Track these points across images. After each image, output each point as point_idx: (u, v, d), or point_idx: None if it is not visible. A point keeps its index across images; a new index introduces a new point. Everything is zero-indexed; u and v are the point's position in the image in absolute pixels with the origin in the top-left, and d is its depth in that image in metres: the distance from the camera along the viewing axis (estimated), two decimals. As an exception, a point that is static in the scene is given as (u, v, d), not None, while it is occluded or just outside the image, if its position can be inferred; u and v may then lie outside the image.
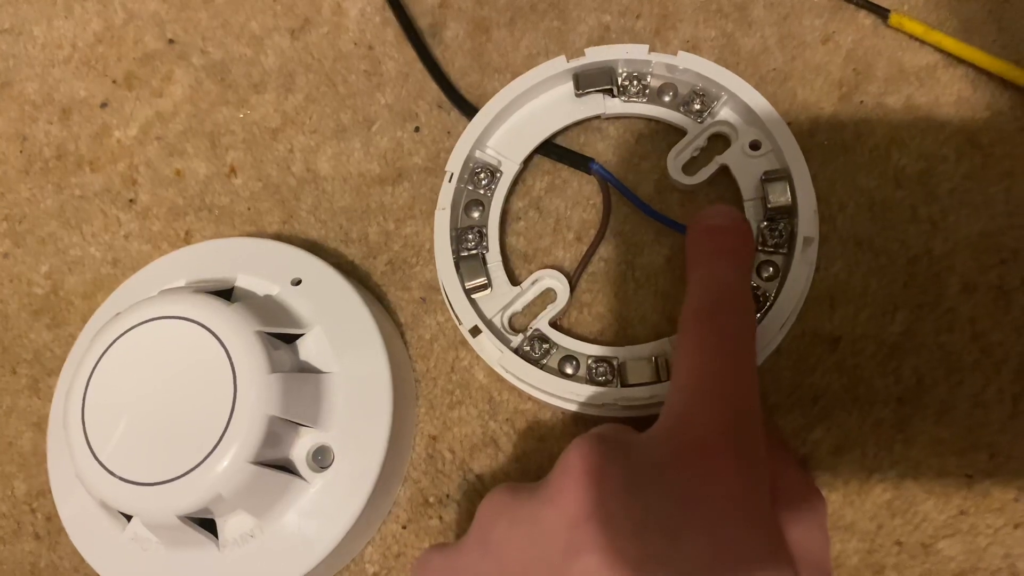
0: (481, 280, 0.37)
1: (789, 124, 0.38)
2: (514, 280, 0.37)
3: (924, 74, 0.38)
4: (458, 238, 0.38)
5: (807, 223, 0.35)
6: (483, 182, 0.38)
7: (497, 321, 0.36)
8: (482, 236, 0.38)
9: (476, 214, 0.38)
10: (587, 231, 0.38)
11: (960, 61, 0.38)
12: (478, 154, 0.39)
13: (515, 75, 0.39)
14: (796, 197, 0.35)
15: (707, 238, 0.31)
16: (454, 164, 0.38)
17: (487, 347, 0.36)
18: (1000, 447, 0.33)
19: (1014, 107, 0.37)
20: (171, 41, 0.46)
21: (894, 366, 0.34)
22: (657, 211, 0.37)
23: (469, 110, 0.40)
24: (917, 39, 0.38)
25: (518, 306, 0.37)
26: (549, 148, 0.39)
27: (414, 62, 0.43)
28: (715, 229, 0.31)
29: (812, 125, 0.38)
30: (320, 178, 0.41)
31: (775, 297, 0.34)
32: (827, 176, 0.37)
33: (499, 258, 0.37)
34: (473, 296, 0.37)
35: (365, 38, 0.44)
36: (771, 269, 0.35)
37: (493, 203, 0.38)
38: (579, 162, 0.39)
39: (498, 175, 0.39)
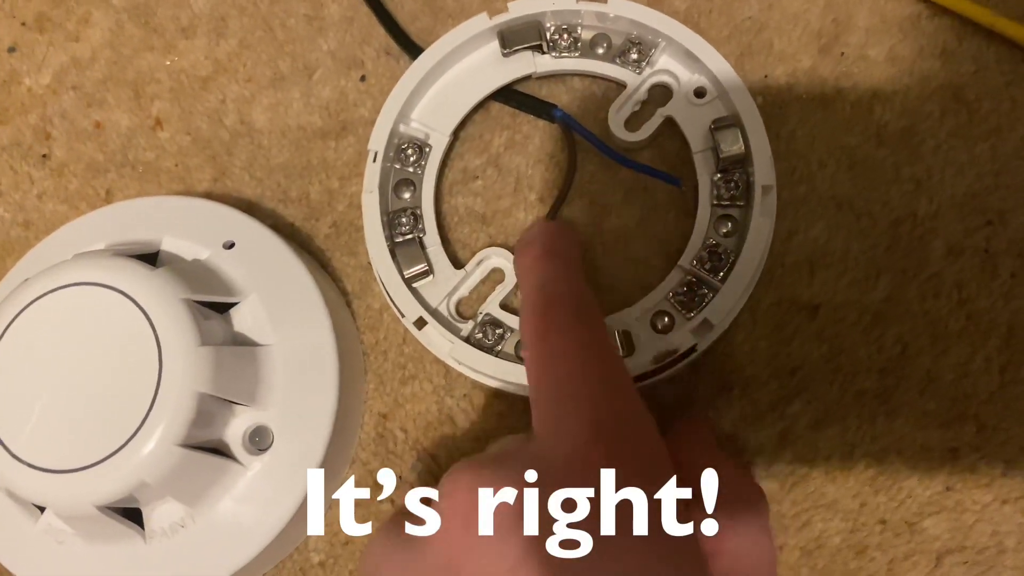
0: (421, 266, 0.34)
1: (765, 77, 0.36)
2: (457, 263, 0.35)
3: (907, 24, 0.36)
4: (390, 223, 0.35)
5: (764, 170, 0.33)
6: (411, 159, 0.35)
7: (443, 309, 0.34)
8: (416, 218, 0.35)
9: (407, 195, 0.35)
10: (551, 191, 0.36)
11: (945, 11, 0.36)
12: (402, 128, 0.36)
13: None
14: (749, 144, 0.33)
15: (525, 254, 0.30)
16: (377, 142, 0.35)
17: (435, 339, 0.33)
18: (987, 419, 0.32)
19: (1001, 60, 0.35)
20: (88, -21, 0.42)
21: (877, 335, 0.33)
22: (634, 160, 0.35)
23: (420, 57, 0.37)
24: (900, -13, 0.36)
25: (464, 290, 0.35)
26: (508, 95, 0.37)
27: (359, 5, 0.39)
28: (527, 242, 0.30)
29: (789, 78, 0.36)
30: (255, 131, 0.39)
31: (736, 254, 0.32)
32: (805, 133, 0.35)
33: (438, 240, 0.35)
34: (414, 285, 0.34)
35: (305, -22, 0.40)
36: (730, 224, 0.33)
37: (425, 181, 0.35)
38: (541, 109, 0.36)
39: (427, 150, 0.36)
